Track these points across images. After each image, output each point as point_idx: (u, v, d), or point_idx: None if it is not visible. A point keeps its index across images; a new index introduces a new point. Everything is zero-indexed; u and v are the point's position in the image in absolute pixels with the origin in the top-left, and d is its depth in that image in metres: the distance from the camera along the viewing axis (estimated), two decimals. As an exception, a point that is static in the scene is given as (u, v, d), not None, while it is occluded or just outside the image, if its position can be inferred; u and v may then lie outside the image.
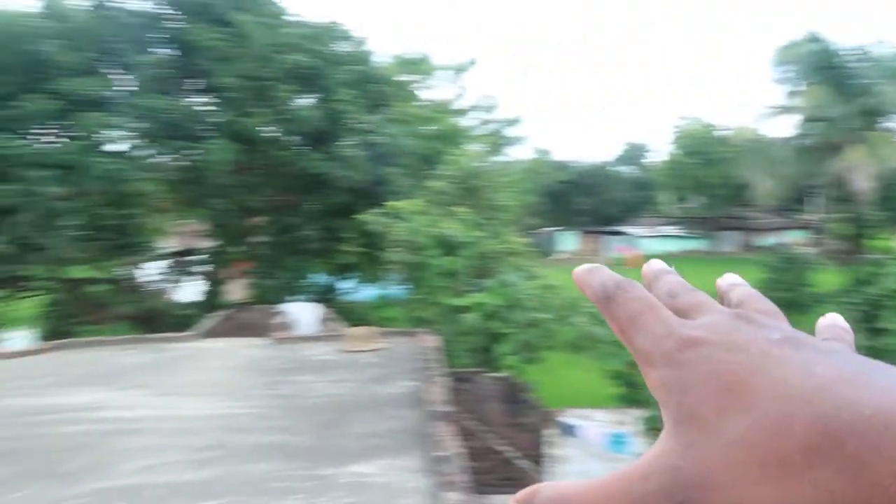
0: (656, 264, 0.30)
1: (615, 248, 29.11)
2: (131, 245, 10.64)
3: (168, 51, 12.19)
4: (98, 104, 10.23)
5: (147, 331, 9.80)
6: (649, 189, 35.18)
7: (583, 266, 0.28)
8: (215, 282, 11.92)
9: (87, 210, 9.67)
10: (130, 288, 11.22)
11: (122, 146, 10.87)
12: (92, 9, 11.26)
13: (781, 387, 0.21)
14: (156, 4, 12.19)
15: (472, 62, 18.81)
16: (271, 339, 8.09)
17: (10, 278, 9.24)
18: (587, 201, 34.14)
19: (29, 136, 9.95)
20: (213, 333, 8.39)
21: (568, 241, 33.53)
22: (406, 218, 11.16)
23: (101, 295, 10.79)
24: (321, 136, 12.16)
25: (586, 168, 35.84)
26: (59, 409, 5.39)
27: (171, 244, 12.72)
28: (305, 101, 12.70)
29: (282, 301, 10.11)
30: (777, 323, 0.24)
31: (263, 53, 11.79)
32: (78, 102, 9.99)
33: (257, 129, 11.79)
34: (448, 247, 11.19)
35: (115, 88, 10.79)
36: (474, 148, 15.05)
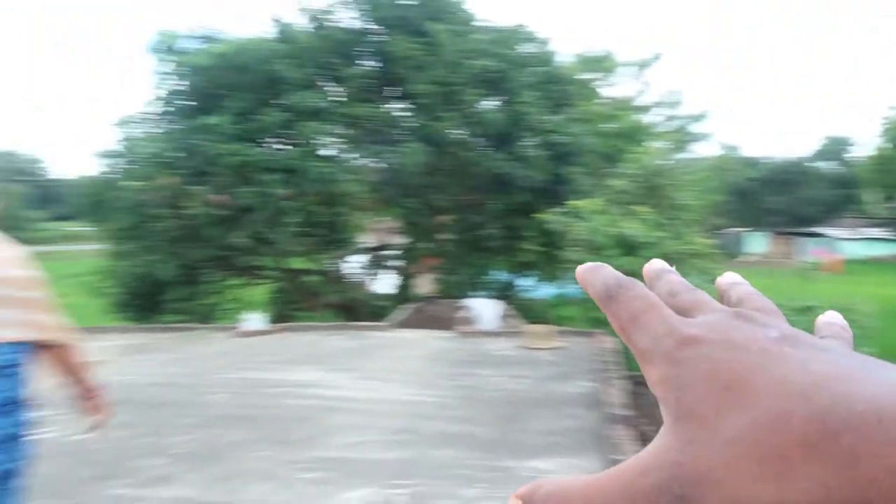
0: (657, 264, 0.31)
1: (810, 251, 26.56)
2: (338, 240, 11.90)
3: (372, 62, 13.32)
4: (315, 114, 11.53)
5: (349, 319, 10.97)
6: (852, 187, 31.56)
7: (585, 264, 0.29)
8: (406, 276, 12.92)
9: (305, 209, 11.00)
10: (336, 279, 12.56)
11: (332, 151, 12.13)
12: (313, 30, 12.66)
13: (780, 384, 0.21)
14: (363, 21, 13.34)
15: (657, 57, 18.25)
16: (456, 332, 8.72)
17: (247, 267, 10.84)
18: (779, 200, 31.44)
19: (263, 145, 11.51)
20: (404, 324, 9.24)
21: (757, 243, 31.09)
22: (586, 217, 11.27)
23: (314, 285, 12.25)
24: (504, 137, 12.61)
25: (779, 164, 33.00)
26: (284, 384, 6.35)
27: (369, 240, 13.94)
28: (491, 103, 13.22)
29: (465, 296, 10.75)
30: (776, 321, 0.25)
31: (454, 60, 12.46)
32: (300, 113, 11.37)
33: (446, 132, 12.49)
34: (628, 247, 11.14)
35: (329, 99, 12.05)
36: (657, 145, 14.68)
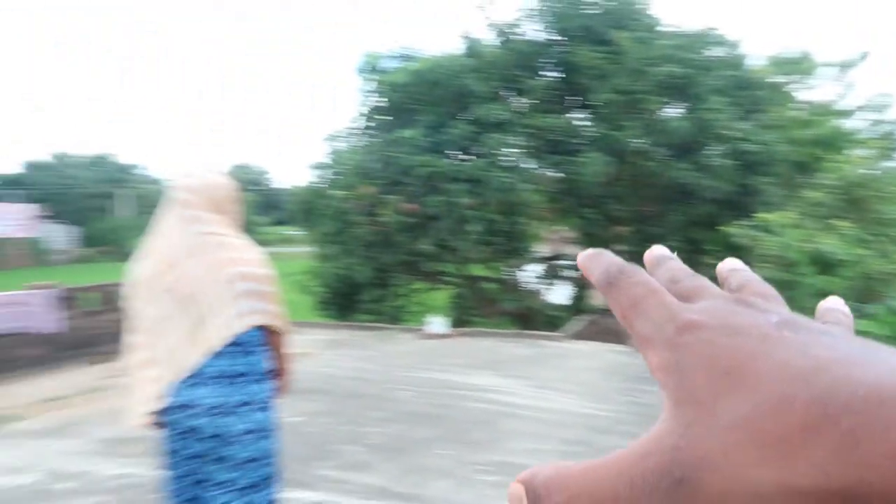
0: (658, 250, 0.31)
1: None
2: (516, 249, 12.21)
3: (554, 73, 13.47)
4: (499, 126, 11.95)
5: (524, 327, 11.23)
6: None
7: (587, 251, 0.29)
8: (581, 287, 12.91)
9: (486, 217, 11.44)
10: (513, 287, 12.90)
11: (514, 161, 12.47)
12: (499, 44, 13.12)
13: (781, 368, 0.21)
14: (547, 33, 13.53)
15: (863, 56, 16.32)
16: (630, 346, 8.62)
17: (431, 273, 11.53)
18: None
19: (451, 156, 12.17)
20: (579, 335, 9.29)
21: None
22: (776, 231, 10.49)
23: (491, 292, 12.70)
24: (688, 146, 12.13)
25: None
26: (464, 387, 6.74)
27: (545, 250, 14.09)
28: (675, 111, 12.77)
29: (642, 309, 10.50)
30: (776, 307, 0.25)
31: (637, 67, 12.21)
32: (485, 125, 11.86)
33: (627, 141, 12.28)
34: (824, 265, 10.21)
35: (512, 111, 12.43)
36: (861, 153, 13.24)
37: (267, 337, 2.54)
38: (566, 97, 13.41)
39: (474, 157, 12.10)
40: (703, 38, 13.20)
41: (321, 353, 8.47)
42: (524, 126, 12.27)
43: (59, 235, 38.01)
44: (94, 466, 4.60)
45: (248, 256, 2.49)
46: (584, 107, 13.23)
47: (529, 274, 13.53)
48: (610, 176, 12.24)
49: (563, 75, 13.23)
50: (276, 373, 2.65)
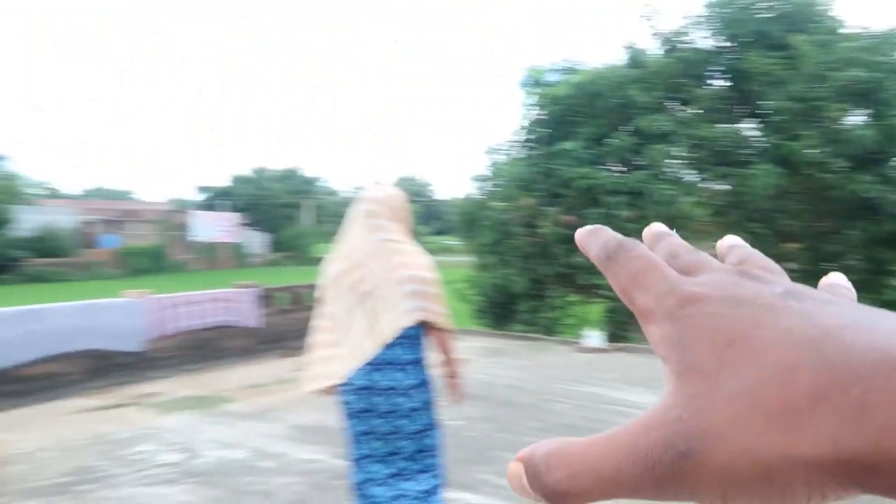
0: (657, 227, 0.30)
1: None
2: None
3: (721, 81, 12.91)
4: (662, 136, 11.72)
5: None
6: None
7: (585, 227, 0.29)
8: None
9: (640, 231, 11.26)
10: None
11: (677, 173, 12.15)
12: (664, 53, 12.85)
13: (786, 336, 0.20)
14: (714, 39, 13.01)
15: None
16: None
17: (587, 286, 11.56)
18: None
19: (611, 168, 12.14)
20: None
21: None
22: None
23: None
24: (872, 157, 11.09)
25: None
26: (620, 403, 6.78)
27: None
28: (857, 118, 11.72)
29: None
30: (780, 279, 0.24)
31: (816, 72, 11.39)
32: (648, 137, 11.69)
33: (802, 151, 11.49)
34: None
35: (676, 121, 12.13)
36: None
37: (430, 333, 2.96)
38: (734, 106, 12.80)
39: (635, 169, 11.95)
40: (892, 39, 11.97)
41: (478, 360, 8.87)
42: (688, 136, 11.91)
43: (255, 241, 42.44)
44: (289, 449, 5.32)
45: (418, 262, 2.91)
46: (754, 115, 12.56)
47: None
48: (781, 189, 11.51)
49: (732, 83, 12.64)
50: (445, 368, 3.07)
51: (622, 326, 11.04)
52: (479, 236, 13.32)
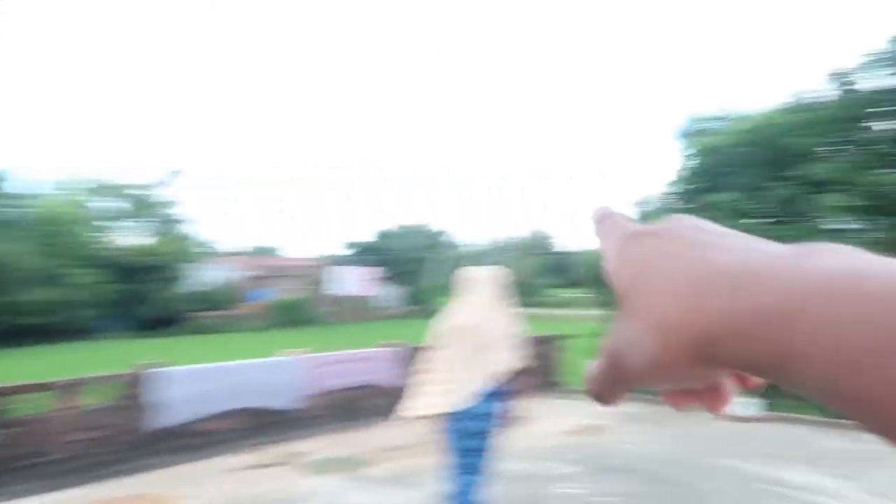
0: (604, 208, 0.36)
1: None
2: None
3: (890, 124, 11.96)
4: (826, 185, 11.03)
5: (835, 414, 9.84)
6: None
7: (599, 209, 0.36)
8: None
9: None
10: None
11: (841, 224, 11.31)
12: (837, 94, 12.17)
13: (683, 260, 0.27)
14: (891, 77, 12.14)
15: None
16: None
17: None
18: None
19: (769, 220, 11.54)
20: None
21: None
22: None
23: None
24: None
25: None
26: (780, 483, 6.27)
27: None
28: None
29: None
30: (694, 220, 0.31)
31: None
32: (810, 184, 11.04)
33: None
34: None
35: (841, 168, 11.39)
36: None
37: (514, 375, 3.96)
38: (902, 150, 11.73)
39: (795, 220, 11.25)
40: None
41: (620, 427, 8.61)
42: (854, 184, 11.06)
43: (391, 294, 44.21)
44: (430, 518, 5.46)
45: (515, 321, 4.02)
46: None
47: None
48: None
49: (900, 126, 11.64)
50: (514, 400, 4.05)
51: (777, 392, 10.23)
52: (606, 290, 12.97)
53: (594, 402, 0.33)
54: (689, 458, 7.15)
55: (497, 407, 3.88)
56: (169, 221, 39.01)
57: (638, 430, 8.37)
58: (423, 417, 3.90)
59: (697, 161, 12.90)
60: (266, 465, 7.22)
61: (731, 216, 11.36)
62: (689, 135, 13.66)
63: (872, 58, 12.02)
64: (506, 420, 4.00)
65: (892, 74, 12.02)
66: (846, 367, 0.21)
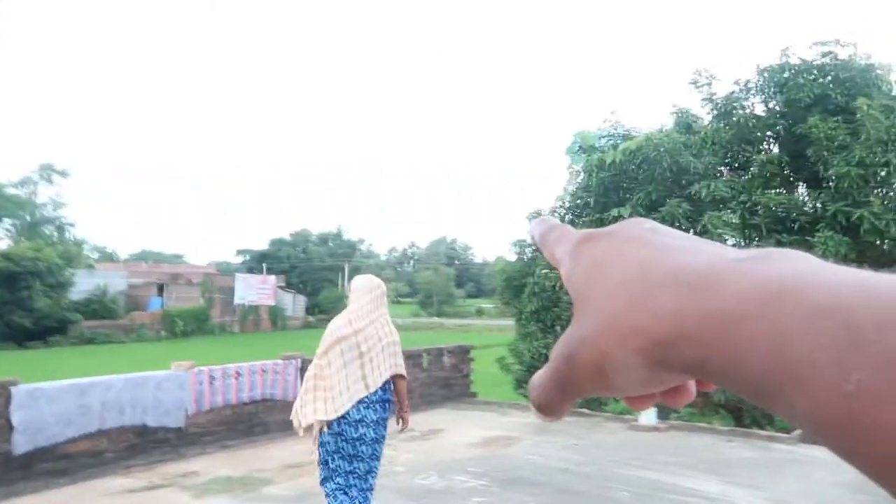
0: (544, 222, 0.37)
1: None
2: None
3: (777, 147, 12.71)
4: (718, 203, 11.53)
5: (738, 423, 10.31)
6: None
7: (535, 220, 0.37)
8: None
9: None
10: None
11: (733, 241, 11.83)
12: (715, 118, 12.81)
13: (639, 259, 0.27)
14: (768, 104, 12.91)
15: None
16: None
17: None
18: None
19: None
20: (811, 440, 8.22)
21: None
22: None
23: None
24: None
25: None
26: (686, 493, 6.33)
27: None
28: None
29: None
30: (651, 223, 0.30)
31: (879, 138, 11.11)
32: (702, 203, 11.51)
33: (866, 218, 11.09)
34: None
35: (732, 188, 11.96)
36: None
37: (397, 380, 4.14)
38: (791, 172, 12.52)
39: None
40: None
41: (527, 437, 8.54)
42: (743, 203, 11.63)
43: (293, 303, 42.88)
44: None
45: (394, 330, 4.15)
46: (811, 181, 12.22)
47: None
48: (842, 257, 11.05)
49: (788, 148, 12.41)
50: (401, 409, 4.24)
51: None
52: (522, 303, 13.05)
53: (539, 415, 0.30)
54: (597, 468, 7.13)
55: (380, 414, 4.03)
56: (52, 223, 36.19)
57: (547, 441, 8.31)
58: (308, 428, 3.99)
59: (590, 177, 13.12)
60: (150, 488, 6.56)
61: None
62: (575, 151, 13.93)
63: (744, 86, 12.81)
64: (389, 426, 4.19)
65: (761, 103, 12.87)
66: (787, 378, 0.21)
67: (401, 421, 4.28)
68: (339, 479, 3.91)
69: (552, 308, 12.39)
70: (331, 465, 3.94)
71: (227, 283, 37.99)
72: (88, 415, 7.04)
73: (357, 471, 3.92)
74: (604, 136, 14.01)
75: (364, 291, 4.15)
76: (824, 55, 12.45)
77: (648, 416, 8.69)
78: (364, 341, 3.95)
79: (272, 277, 40.42)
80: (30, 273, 30.37)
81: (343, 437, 3.88)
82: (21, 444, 6.52)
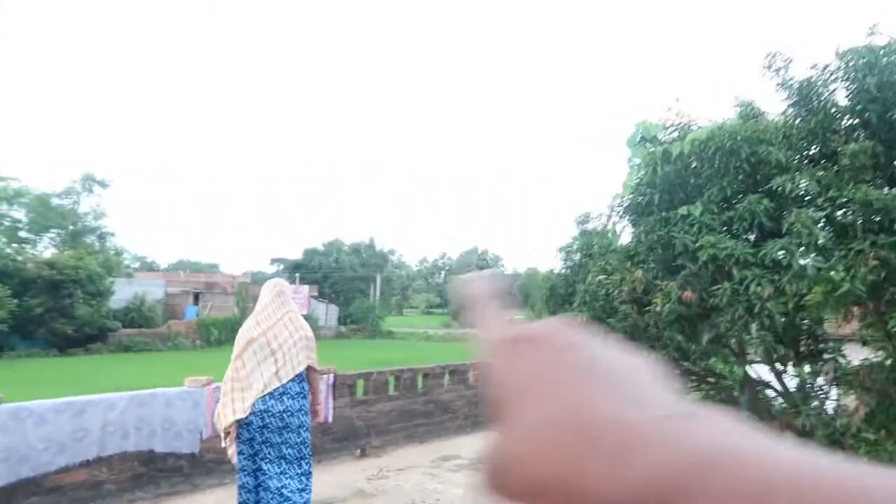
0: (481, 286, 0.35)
1: None
2: (810, 352, 9.75)
3: (868, 139, 11.08)
4: (805, 200, 9.92)
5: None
6: None
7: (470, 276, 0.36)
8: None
9: (783, 310, 9.27)
10: (801, 397, 10.24)
11: (822, 241, 10.19)
12: (797, 108, 11.22)
13: (578, 378, 0.25)
14: (854, 94, 11.31)
15: None
16: None
17: (697, 372, 9.59)
18: None
19: (742, 236, 10.30)
20: None
21: None
22: None
23: (771, 401, 10.19)
24: None
25: None
26: None
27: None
28: None
29: None
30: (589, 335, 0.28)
31: None
32: (785, 199, 9.88)
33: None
34: None
35: (819, 182, 10.31)
36: None
37: (310, 373, 4.20)
38: (888, 163, 10.86)
39: (772, 238, 10.05)
40: None
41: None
42: (832, 199, 9.99)
43: (325, 313, 41.69)
44: None
45: (305, 325, 4.27)
46: (905, 176, 10.55)
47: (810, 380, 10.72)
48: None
49: (884, 136, 10.76)
50: (314, 398, 4.26)
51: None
52: (571, 313, 11.52)
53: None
54: None
55: (300, 402, 4.04)
56: (93, 233, 35.70)
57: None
58: (227, 428, 3.98)
59: (649, 171, 11.53)
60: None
61: (699, 231, 10.07)
62: (638, 144, 12.37)
63: (823, 70, 11.19)
64: (309, 417, 4.16)
65: (849, 92, 11.24)
66: None
67: (314, 414, 4.27)
68: (263, 466, 3.98)
69: (607, 319, 10.86)
70: (258, 440, 3.95)
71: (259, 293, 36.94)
72: (86, 439, 5.75)
73: (289, 442, 3.97)
74: (669, 128, 12.45)
75: (268, 293, 4.30)
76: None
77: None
78: (274, 339, 4.05)
79: (305, 287, 39.34)
80: (71, 281, 29.73)
81: (270, 413, 3.94)
82: (1, 475, 5.23)
